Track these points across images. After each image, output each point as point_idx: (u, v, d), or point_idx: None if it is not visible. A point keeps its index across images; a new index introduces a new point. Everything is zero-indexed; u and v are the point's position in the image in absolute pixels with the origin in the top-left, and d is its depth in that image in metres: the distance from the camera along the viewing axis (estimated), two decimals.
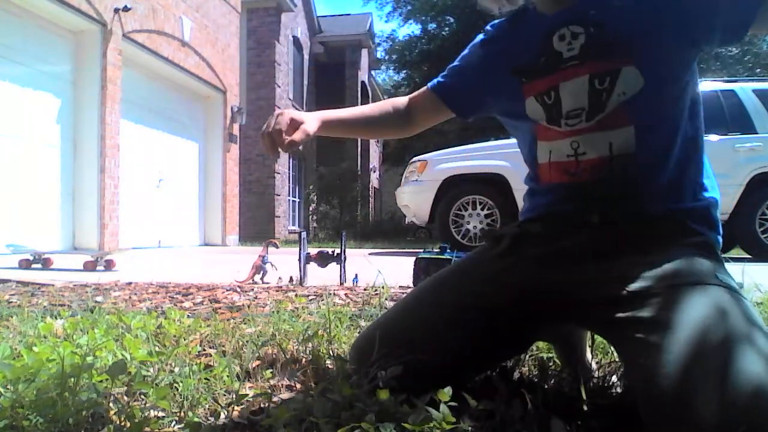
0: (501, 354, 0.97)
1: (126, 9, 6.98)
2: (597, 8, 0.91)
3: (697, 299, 0.73)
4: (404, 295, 1.01)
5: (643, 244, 0.85)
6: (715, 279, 0.77)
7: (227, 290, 2.69)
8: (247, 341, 1.38)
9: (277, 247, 3.45)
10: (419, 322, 0.93)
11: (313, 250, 3.19)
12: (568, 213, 0.94)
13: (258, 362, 1.23)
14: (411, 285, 2.58)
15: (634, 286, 0.78)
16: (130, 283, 2.99)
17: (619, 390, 0.98)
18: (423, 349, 0.87)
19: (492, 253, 0.98)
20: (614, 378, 1.03)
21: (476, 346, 0.90)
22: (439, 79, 1.17)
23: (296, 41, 15.77)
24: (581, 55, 0.91)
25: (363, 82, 19.42)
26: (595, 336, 1.13)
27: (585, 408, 0.85)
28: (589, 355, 1.14)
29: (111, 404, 0.84)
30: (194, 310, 2.05)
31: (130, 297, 2.42)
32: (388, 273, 2.54)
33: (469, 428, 0.74)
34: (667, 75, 0.88)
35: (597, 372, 1.10)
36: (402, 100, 1.21)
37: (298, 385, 1.07)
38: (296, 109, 16.88)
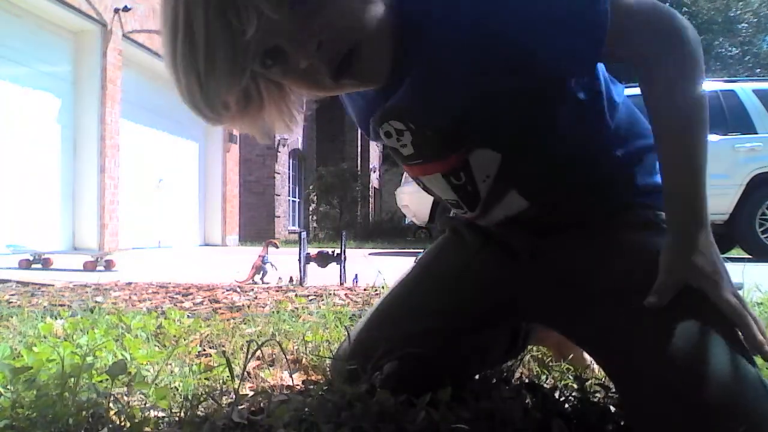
0: (495, 351, 0.97)
1: (126, 9, 6.98)
2: (403, 99, 0.74)
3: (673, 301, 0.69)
4: (380, 302, 0.98)
5: (590, 241, 0.80)
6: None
7: (227, 290, 2.69)
8: (247, 341, 1.38)
9: (277, 247, 3.46)
10: (409, 319, 0.91)
11: (313, 250, 3.19)
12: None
13: (258, 362, 1.23)
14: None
15: (595, 291, 0.75)
16: (130, 284, 2.99)
17: None
18: (418, 344, 0.86)
19: (456, 249, 0.95)
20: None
21: (467, 343, 0.89)
22: None
23: None
24: (418, 155, 0.80)
25: None
26: None
27: (585, 408, 0.85)
28: (587, 356, 1.14)
29: (111, 404, 0.84)
30: (194, 310, 2.05)
31: (130, 297, 2.42)
32: (388, 273, 2.54)
33: (469, 428, 0.74)
34: (521, 132, 0.76)
35: (597, 371, 1.10)
36: None
37: (298, 385, 1.07)
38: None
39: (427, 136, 0.77)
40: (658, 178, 0.79)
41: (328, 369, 1.09)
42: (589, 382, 0.89)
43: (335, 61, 0.63)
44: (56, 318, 1.74)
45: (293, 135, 15.02)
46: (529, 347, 1.21)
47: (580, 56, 0.68)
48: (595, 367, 1.14)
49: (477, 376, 0.95)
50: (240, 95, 0.64)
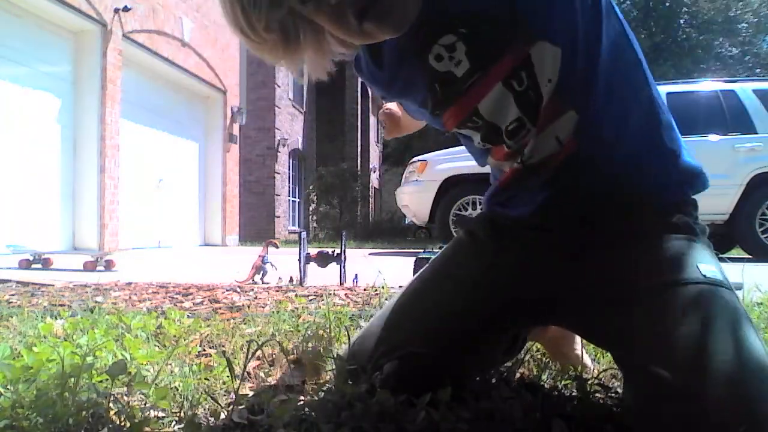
0: (495, 351, 0.96)
1: (126, 9, 6.98)
2: (446, 8, 0.75)
3: (686, 302, 0.70)
4: (390, 301, 0.98)
5: (617, 238, 0.80)
6: (698, 274, 0.73)
7: (227, 290, 2.69)
8: (247, 341, 1.38)
9: (277, 247, 3.45)
10: (412, 319, 0.91)
11: (313, 250, 3.19)
12: (532, 213, 0.86)
13: (258, 362, 1.23)
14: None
15: (613, 290, 0.75)
16: (130, 284, 2.99)
17: (619, 390, 0.98)
18: (420, 344, 0.86)
19: (471, 251, 0.94)
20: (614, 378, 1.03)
21: (469, 344, 0.88)
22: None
23: None
24: (475, 66, 0.78)
25: (363, 82, 19.41)
26: None
27: (585, 408, 0.85)
28: (587, 356, 1.14)
29: (111, 404, 0.84)
30: (194, 310, 2.05)
31: (130, 297, 2.42)
32: (388, 273, 2.54)
33: (469, 428, 0.74)
34: (572, 20, 0.75)
35: (596, 372, 1.10)
36: None
37: (298, 385, 1.07)
38: (296, 109, 16.79)
39: (482, 34, 0.75)
40: (693, 158, 0.82)
41: (330, 368, 1.09)
42: (589, 382, 0.89)
43: (361, 2, 0.66)
44: (56, 318, 1.74)
45: (293, 135, 15.02)
46: (527, 347, 1.21)
47: None
48: (593, 367, 1.14)
49: (477, 376, 0.95)
50: (279, 30, 0.67)
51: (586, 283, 0.80)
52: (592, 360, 1.16)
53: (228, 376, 1.02)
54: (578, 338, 1.12)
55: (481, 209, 0.98)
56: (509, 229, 0.89)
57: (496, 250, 0.89)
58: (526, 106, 0.79)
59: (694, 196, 0.86)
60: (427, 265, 1.00)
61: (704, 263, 0.75)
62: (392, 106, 1.17)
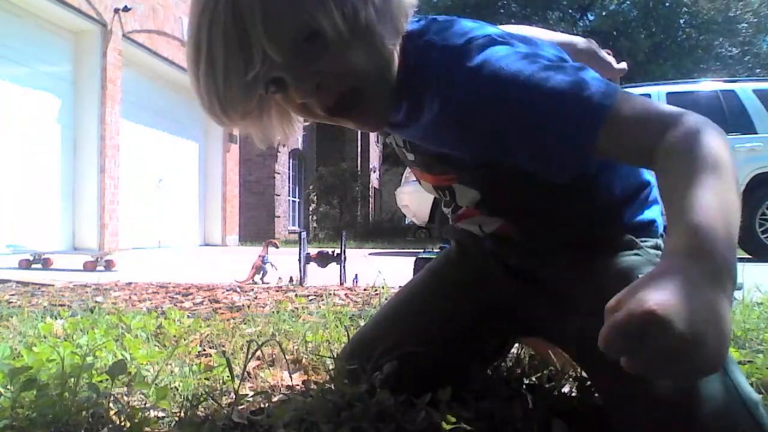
0: (491, 352, 0.98)
1: (126, 9, 6.99)
2: (404, 133, 0.83)
3: None
4: (388, 302, 1.02)
5: (570, 269, 0.81)
6: None
7: (227, 290, 2.69)
8: (247, 341, 1.38)
9: (277, 247, 3.46)
10: (410, 319, 0.95)
11: (313, 250, 3.19)
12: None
13: (258, 362, 1.23)
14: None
15: (576, 311, 0.75)
16: (130, 284, 2.99)
17: None
18: (419, 343, 0.87)
19: (460, 259, 0.99)
20: None
21: (464, 345, 0.91)
22: None
23: None
24: (416, 163, 0.89)
25: None
26: None
27: (585, 408, 0.85)
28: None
29: (111, 404, 0.84)
30: (194, 310, 2.05)
31: (130, 297, 2.42)
32: (388, 273, 2.54)
33: (469, 428, 0.74)
34: (502, 182, 0.80)
35: None
36: None
37: (298, 385, 1.07)
38: None
39: (423, 155, 0.85)
40: (648, 214, 0.83)
41: (329, 368, 1.09)
42: (589, 382, 0.89)
43: (332, 101, 0.69)
44: (56, 318, 1.74)
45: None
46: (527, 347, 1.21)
47: (560, 169, 0.66)
48: None
49: (476, 376, 0.95)
50: (249, 107, 0.71)
51: (552, 302, 0.82)
52: None
53: (228, 376, 1.02)
54: None
55: None
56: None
57: (481, 259, 0.94)
58: (449, 201, 0.91)
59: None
60: (423, 269, 1.06)
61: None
62: None
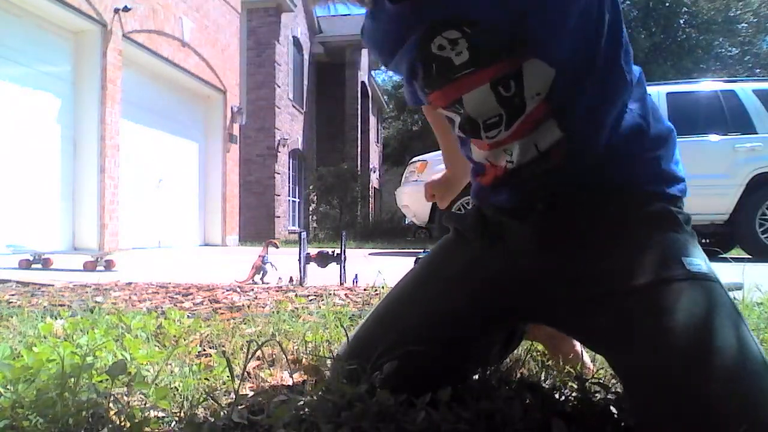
0: (492, 347, 0.96)
1: (126, 9, 6.99)
2: (456, 3, 0.77)
3: (677, 299, 0.69)
4: (384, 299, 0.99)
5: (596, 233, 0.80)
6: (682, 268, 0.72)
7: (227, 290, 2.69)
8: (247, 341, 1.38)
9: (277, 247, 3.45)
10: (407, 317, 0.92)
11: (313, 250, 3.19)
12: (513, 205, 0.87)
13: (258, 362, 1.23)
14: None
15: (599, 290, 0.75)
16: (130, 284, 2.99)
17: (618, 390, 0.98)
18: (417, 341, 0.86)
19: (455, 249, 0.96)
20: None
21: (463, 341, 0.89)
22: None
23: (296, 41, 15.78)
24: (472, 61, 0.79)
25: (363, 83, 19.43)
26: None
27: (585, 408, 0.85)
28: (586, 355, 1.14)
29: (111, 404, 0.84)
30: (194, 310, 2.05)
31: (130, 297, 2.42)
32: (388, 273, 2.54)
33: (469, 428, 0.74)
34: (572, 44, 0.77)
35: (596, 371, 1.10)
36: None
37: (298, 385, 1.07)
38: (296, 109, 16.72)
39: (485, 38, 0.77)
40: (679, 168, 0.82)
41: (328, 368, 1.09)
42: (589, 382, 0.89)
43: None
44: (56, 318, 1.74)
45: (293, 135, 15.02)
46: (527, 347, 1.21)
47: None
48: (591, 364, 1.14)
49: (477, 376, 0.95)
50: None
51: (571, 280, 0.79)
52: (592, 360, 1.16)
53: (228, 376, 1.02)
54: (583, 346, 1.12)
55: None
56: (495, 224, 0.89)
57: (482, 248, 0.90)
58: (509, 108, 0.81)
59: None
60: (418, 263, 1.01)
61: (690, 257, 0.75)
62: (435, 176, 1.29)
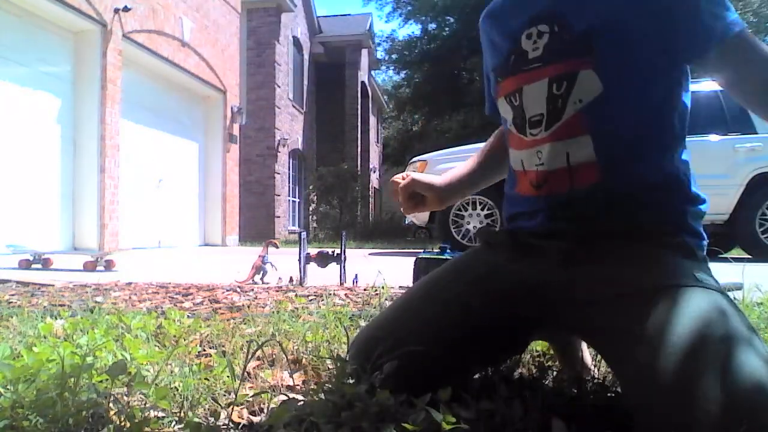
0: (495, 352, 0.96)
1: (126, 9, 6.99)
2: (571, 3, 0.86)
3: (686, 301, 0.71)
4: (399, 296, 1.00)
5: (617, 254, 0.83)
6: (695, 280, 0.75)
7: (227, 290, 2.69)
8: (247, 341, 1.38)
9: (277, 247, 3.45)
10: (412, 318, 0.93)
11: (313, 250, 3.19)
12: (541, 227, 0.91)
13: (258, 362, 1.23)
14: (411, 285, 2.57)
15: (614, 291, 0.78)
16: (130, 284, 2.99)
17: (618, 390, 0.98)
18: (419, 342, 0.86)
19: (483, 257, 0.98)
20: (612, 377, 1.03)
21: (468, 343, 0.89)
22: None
23: (296, 41, 15.78)
24: (543, 56, 0.88)
25: (363, 83, 19.44)
26: None
27: (585, 408, 0.85)
28: (587, 355, 1.14)
29: (111, 404, 0.84)
30: (194, 310, 2.05)
31: (130, 297, 2.42)
32: (388, 273, 2.54)
33: (469, 428, 0.74)
34: (630, 79, 0.84)
35: (596, 371, 1.10)
36: (492, 139, 1.17)
37: (298, 385, 1.07)
38: (296, 109, 16.71)
39: (562, 37, 0.86)
40: (699, 191, 0.87)
41: (330, 369, 1.09)
42: (589, 382, 0.89)
43: None
44: (56, 318, 1.74)
45: (293, 135, 15.02)
46: (529, 347, 1.21)
47: (702, 38, 0.80)
48: (594, 366, 1.14)
49: (476, 376, 0.95)
50: None
51: (585, 288, 0.81)
52: (593, 360, 1.15)
53: (228, 376, 1.02)
54: (585, 346, 1.12)
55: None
56: (525, 243, 0.92)
57: (507, 259, 0.93)
58: (552, 107, 0.87)
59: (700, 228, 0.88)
60: (442, 265, 1.02)
61: (700, 273, 0.78)
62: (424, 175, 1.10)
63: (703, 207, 0.88)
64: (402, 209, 1.10)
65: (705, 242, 0.87)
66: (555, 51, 0.87)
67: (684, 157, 0.88)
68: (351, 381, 0.83)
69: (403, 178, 1.08)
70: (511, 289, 0.89)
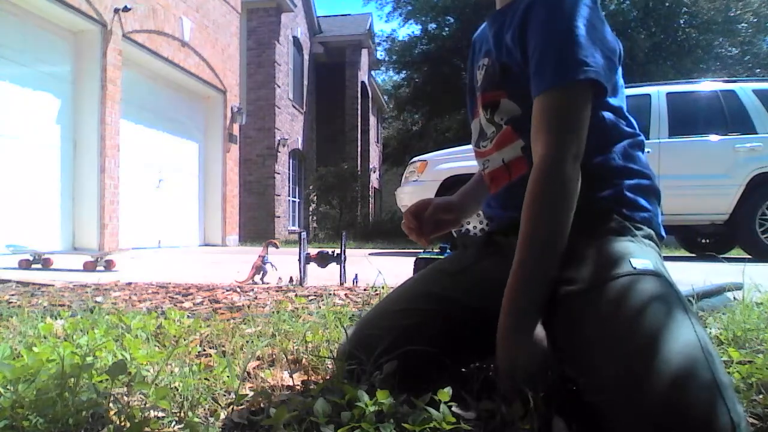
0: (481, 348, 0.99)
1: (126, 9, 6.99)
2: (495, 44, 1.04)
3: (621, 295, 0.77)
4: (384, 298, 1.11)
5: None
6: (628, 266, 0.81)
7: (227, 290, 2.69)
8: (247, 341, 1.38)
9: (277, 247, 3.45)
10: (400, 313, 1.00)
11: (313, 251, 3.19)
12: (501, 224, 1.07)
13: (258, 362, 1.23)
14: None
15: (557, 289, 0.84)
16: (130, 284, 2.99)
17: None
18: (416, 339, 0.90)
19: (459, 257, 1.12)
20: None
21: (454, 335, 0.95)
22: None
23: (296, 41, 15.78)
24: (481, 86, 1.08)
25: (363, 83, 19.44)
26: None
27: (585, 408, 0.85)
28: None
29: (111, 404, 0.84)
30: (194, 310, 2.05)
31: (130, 297, 2.42)
32: (388, 273, 2.54)
33: (469, 428, 0.74)
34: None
35: None
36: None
37: (298, 385, 1.07)
38: (296, 109, 16.75)
39: (489, 73, 1.05)
40: (645, 202, 0.94)
41: (330, 369, 1.09)
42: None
43: None
44: (56, 318, 1.74)
45: (293, 135, 15.02)
46: None
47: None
48: None
49: (476, 377, 0.95)
50: None
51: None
52: None
53: (228, 376, 1.02)
54: None
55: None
56: (493, 240, 1.06)
57: (477, 258, 1.06)
58: (489, 127, 1.07)
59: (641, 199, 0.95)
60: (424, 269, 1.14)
61: (636, 253, 0.84)
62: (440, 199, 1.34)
63: (645, 181, 0.95)
64: (423, 242, 1.25)
65: (648, 214, 0.94)
66: (485, 83, 1.07)
67: (620, 144, 0.96)
68: (350, 381, 0.83)
69: (417, 207, 1.30)
70: (483, 286, 0.96)
